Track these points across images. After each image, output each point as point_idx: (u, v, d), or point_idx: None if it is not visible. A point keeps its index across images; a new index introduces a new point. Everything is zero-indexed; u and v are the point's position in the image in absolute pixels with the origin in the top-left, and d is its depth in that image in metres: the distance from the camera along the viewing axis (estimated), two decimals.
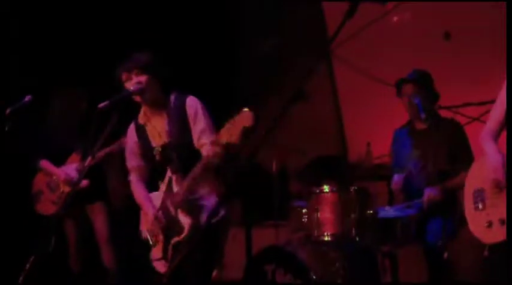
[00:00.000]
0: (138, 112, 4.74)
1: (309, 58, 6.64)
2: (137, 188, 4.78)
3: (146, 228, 4.66)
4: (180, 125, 4.54)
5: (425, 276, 5.30)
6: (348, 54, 6.99)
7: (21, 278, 4.33)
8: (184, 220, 4.48)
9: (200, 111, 4.54)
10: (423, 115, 5.39)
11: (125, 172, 4.89)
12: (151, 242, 4.63)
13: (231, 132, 4.00)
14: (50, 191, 6.18)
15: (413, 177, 5.44)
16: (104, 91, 4.49)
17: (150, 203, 4.68)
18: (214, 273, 5.38)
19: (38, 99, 5.29)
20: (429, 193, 5.25)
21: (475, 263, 5.03)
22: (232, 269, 6.33)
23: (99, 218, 6.20)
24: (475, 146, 5.24)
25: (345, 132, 7.51)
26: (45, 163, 6.17)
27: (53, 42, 6.93)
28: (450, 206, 5.31)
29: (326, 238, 5.19)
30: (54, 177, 6.16)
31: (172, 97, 4.63)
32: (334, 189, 5.21)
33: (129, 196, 4.92)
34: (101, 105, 4.34)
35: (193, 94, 4.66)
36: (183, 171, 4.48)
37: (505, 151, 4.33)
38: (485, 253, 4.36)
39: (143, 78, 4.54)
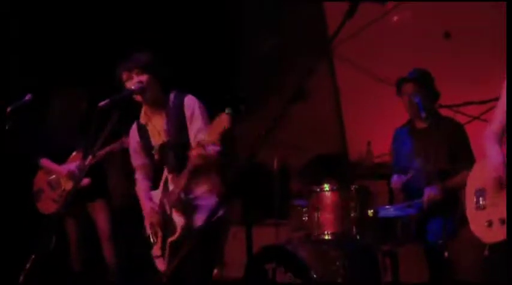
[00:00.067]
0: (138, 111, 4.75)
1: (309, 58, 6.66)
2: (140, 186, 4.82)
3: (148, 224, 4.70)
4: (178, 124, 4.55)
5: (426, 275, 5.30)
6: (349, 53, 7.00)
7: (21, 277, 4.32)
8: (178, 220, 4.51)
9: (197, 111, 4.54)
10: (423, 114, 5.39)
11: (125, 171, 4.89)
12: (152, 240, 4.65)
13: (212, 134, 4.14)
14: (50, 189, 6.18)
15: (414, 176, 5.44)
16: (104, 91, 4.49)
17: (148, 200, 4.71)
18: (215, 272, 5.39)
19: (38, 98, 5.29)
20: (429, 192, 5.25)
21: (475, 262, 5.04)
22: (232, 268, 6.35)
23: (100, 216, 6.21)
24: (476, 145, 5.25)
25: (346, 131, 7.50)
26: (45, 161, 6.17)
27: (53, 42, 6.93)
28: (450, 206, 5.31)
29: (326, 237, 5.17)
30: (55, 175, 6.16)
31: (171, 97, 4.64)
32: (335, 188, 5.20)
33: (130, 194, 4.93)
34: (101, 103, 4.34)
35: (194, 94, 4.66)
36: (178, 170, 4.49)
37: (505, 151, 4.34)
38: (486, 253, 4.36)
39: (144, 78, 4.54)
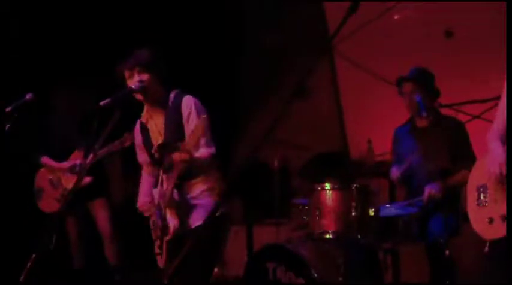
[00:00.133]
0: (140, 109, 4.75)
1: (309, 58, 6.66)
2: (143, 181, 4.83)
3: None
4: (175, 124, 4.54)
5: (427, 274, 5.31)
6: (350, 51, 7.00)
7: (22, 276, 4.32)
8: (171, 220, 4.50)
9: (194, 111, 4.52)
10: (424, 113, 5.39)
11: (125, 170, 4.89)
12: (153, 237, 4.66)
13: (193, 139, 4.25)
14: (52, 188, 6.18)
15: (414, 174, 5.45)
16: (106, 89, 4.49)
17: (145, 196, 4.72)
18: (216, 271, 5.40)
19: (39, 97, 5.28)
20: (430, 190, 5.26)
21: (476, 258, 5.04)
22: (233, 267, 6.36)
23: (101, 215, 6.20)
24: (476, 144, 5.25)
25: (346, 130, 7.50)
26: (46, 160, 6.17)
27: (53, 41, 6.93)
28: (451, 203, 5.32)
29: (327, 236, 5.17)
30: (57, 174, 6.16)
31: (171, 96, 4.63)
32: (336, 187, 5.19)
33: (130, 194, 4.93)
34: (102, 102, 4.35)
35: (194, 94, 4.66)
36: (172, 171, 4.50)
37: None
38: (486, 249, 4.36)
39: (145, 77, 4.53)
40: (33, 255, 4.28)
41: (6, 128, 5.04)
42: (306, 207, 5.39)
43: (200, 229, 4.45)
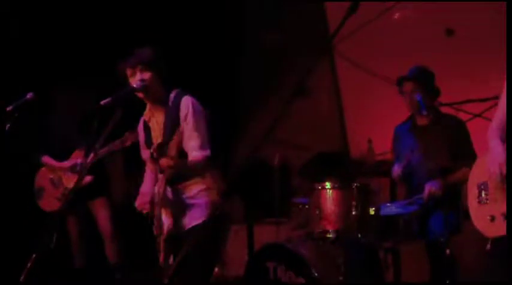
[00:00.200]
0: (141, 108, 4.75)
1: (309, 58, 6.67)
2: (145, 179, 4.82)
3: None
4: (174, 124, 4.54)
5: (428, 272, 5.31)
6: (350, 51, 7.01)
7: (23, 276, 4.32)
8: (166, 220, 4.50)
9: (191, 114, 4.50)
10: (425, 112, 5.40)
11: (127, 169, 4.89)
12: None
13: (172, 149, 4.37)
14: (52, 187, 6.18)
15: (414, 172, 5.45)
16: (106, 89, 4.49)
17: (142, 194, 4.70)
18: (216, 270, 5.40)
19: (39, 97, 5.29)
20: (430, 187, 5.26)
21: (477, 256, 5.04)
22: (233, 266, 6.35)
23: (102, 214, 6.20)
24: (477, 142, 5.25)
25: (347, 129, 7.49)
26: (47, 159, 6.17)
27: (53, 41, 6.93)
28: (452, 201, 5.32)
29: (328, 235, 5.16)
30: (58, 173, 6.16)
31: (172, 96, 4.62)
32: (336, 186, 5.19)
33: (130, 193, 4.92)
34: (103, 101, 4.35)
35: (195, 93, 4.65)
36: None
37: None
38: (488, 247, 4.36)
39: (147, 75, 4.53)
40: (34, 255, 4.28)
41: (7, 127, 5.04)
42: (306, 206, 5.39)
43: (199, 229, 4.45)
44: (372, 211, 5.17)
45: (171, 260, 4.50)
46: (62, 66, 6.74)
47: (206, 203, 4.52)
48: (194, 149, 4.47)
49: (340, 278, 5.10)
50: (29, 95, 5.18)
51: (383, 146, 5.84)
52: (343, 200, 5.16)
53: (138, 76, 4.52)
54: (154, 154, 4.57)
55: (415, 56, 6.31)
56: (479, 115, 5.80)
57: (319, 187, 5.24)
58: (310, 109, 7.07)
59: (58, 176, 6.16)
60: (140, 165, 4.91)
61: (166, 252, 4.52)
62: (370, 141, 5.55)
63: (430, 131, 5.46)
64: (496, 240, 4.33)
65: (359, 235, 5.12)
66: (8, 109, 5.10)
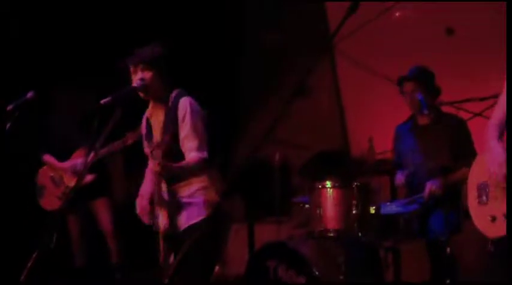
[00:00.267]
0: (142, 107, 4.76)
1: (309, 58, 6.66)
2: (145, 178, 4.82)
3: None
4: (172, 125, 4.55)
5: (428, 271, 5.31)
6: (350, 50, 7.00)
7: (23, 274, 4.32)
8: (162, 220, 4.52)
9: (188, 115, 4.50)
10: (426, 111, 5.41)
11: (128, 169, 4.89)
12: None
13: (156, 154, 4.40)
14: (54, 186, 6.18)
15: (415, 172, 5.45)
16: (107, 88, 4.49)
17: (143, 201, 4.70)
18: (217, 269, 5.38)
19: (40, 96, 5.28)
20: (430, 186, 5.26)
21: (478, 256, 5.04)
22: (234, 265, 6.36)
23: (103, 215, 6.21)
24: (478, 141, 5.25)
25: (347, 128, 7.49)
26: (48, 157, 6.17)
27: (54, 41, 6.93)
28: (452, 200, 5.32)
29: (328, 234, 5.17)
30: (59, 171, 6.16)
31: (172, 95, 4.63)
32: (337, 185, 5.19)
33: (131, 193, 4.92)
34: (103, 100, 4.35)
35: (195, 93, 4.66)
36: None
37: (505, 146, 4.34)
38: (490, 248, 4.36)
39: (148, 75, 4.53)
40: (34, 254, 4.28)
41: (7, 127, 5.04)
42: (307, 205, 5.39)
43: (197, 228, 4.45)
44: (372, 210, 5.17)
45: (171, 259, 4.52)
46: (62, 66, 6.74)
47: (203, 202, 4.53)
48: (192, 150, 4.47)
49: (341, 277, 5.10)
50: (30, 94, 5.18)
51: (383, 145, 5.83)
52: (344, 199, 5.16)
53: (139, 75, 4.53)
54: (153, 153, 4.58)
55: (416, 55, 6.31)
56: (479, 114, 5.78)
57: (320, 186, 5.24)
58: (311, 109, 7.07)
59: (59, 175, 6.16)
60: (140, 164, 4.91)
61: (165, 251, 4.53)
62: (370, 140, 5.55)
63: (431, 130, 5.47)
64: (497, 241, 4.32)
65: (359, 234, 5.12)
66: (8, 108, 5.10)
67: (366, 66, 6.95)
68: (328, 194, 5.20)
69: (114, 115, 4.37)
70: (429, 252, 5.33)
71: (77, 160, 6.06)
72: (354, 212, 5.12)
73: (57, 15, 6.94)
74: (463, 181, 4.92)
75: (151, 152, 4.58)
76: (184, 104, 4.53)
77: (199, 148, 4.48)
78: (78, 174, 5.83)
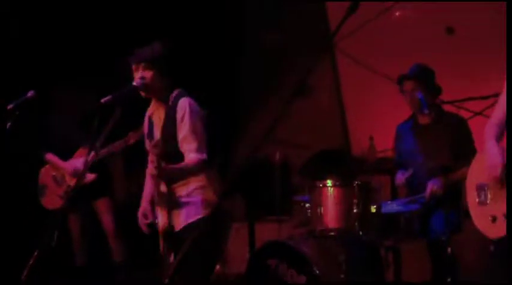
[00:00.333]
0: (144, 106, 4.76)
1: (310, 58, 6.66)
2: (146, 178, 4.83)
3: None
4: (172, 124, 4.55)
5: (429, 270, 5.31)
6: (351, 49, 7.00)
7: (24, 273, 4.32)
8: (161, 219, 4.54)
9: (187, 117, 4.51)
10: (426, 111, 5.40)
11: (128, 169, 4.88)
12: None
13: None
14: (56, 185, 6.18)
15: (416, 171, 5.44)
16: (107, 88, 4.49)
17: (146, 203, 4.73)
18: (217, 268, 5.39)
19: (40, 96, 5.28)
20: (432, 186, 5.25)
21: (479, 255, 5.04)
22: (235, 264, 6.35)
23: (105, 215, 6.21)
24: (478, 140, 5.25)
25: (348, 127, 7.49)
26: (51, 156, 6.17)
27: (54, 41, 6.93)
28: (453, 200, 5.32)
29: (329, 233, 5.17)
30: (61, 170, 6.15)
31: (173, 95, 4.63)
32: (337, 184, 5.18)
33: (132, 192, 4.92)
34: (104, 99, 4.35)
35: (195, 93, 4.66)
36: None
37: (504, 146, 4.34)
38: (491, 248, 4.35)
39: (148, 74, 4.54)
40: (35, 253, 4.28)
41: (8, 126, 5.04)
42: (308, 204, 5.38)
43: (196, 226, 4.45)
44: (373, 209, 5.16)
45: (171, 258, 4.52)
46: (62, 65, 6.74)
47: (201, 202, 4.54)
48: (191, 152, 4.48)
49: (342, 276, 5.09)
50: (30, 93, 5.17)
51: (384, 143, 5.83)
52: (345, 198, 5.15)
53: (140, 73, 4.54)
54: (154, 150, 4.58)
55: (416, 55, 6.29)
56: (479, 113, 5.79)
57: (321, 185, 5.23)
58: (311, 108, 7.07)
59: (61, 174, 6.16)
60: (141, 164, 4.92)
61: (165, 250, 4.53)
62: (371, 139, 5.55)
63: (432, 130, 5.46)
64: (498, 241, 4.32)
65: (360, 233, 5.11)
66: (8, 107, 5.09)
67: (366, 65, 6.95)
68: (329, 193, 5.19)
69: (114, 115, 4.37)
70: (430, 252, 5.32)
71: (79, 161, 6.06)
72: (354, 211, 5.12)
73: (57, 15, 6.94)
74: (464, 180, 4.92)
75: (154, 147, 4.58)
76: (183, 105, 4.53)
77: (198, 150, 4.48)
78: (79, 173, 5.84)
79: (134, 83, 4.53)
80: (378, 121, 6.69)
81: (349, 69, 7.27)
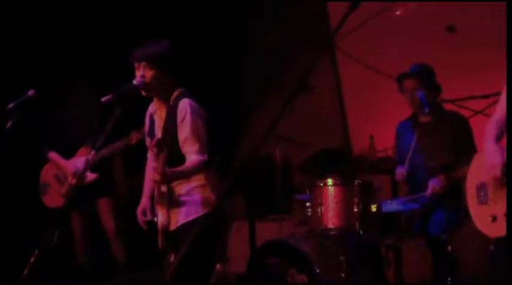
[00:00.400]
0: (144, 106, 4.77)
1: (310, 57, 6.66)
2: (146, 178, 4.84)
3: None
4: (172, 124, 4.55)
5: (429, 269, 5.30)
6: (351, 48, 6.99)
7: (25, 272, 4.32)
8: (160, 218, 4.53)
9: (187, 118, 4.51)
10: (427, 109, 5.39)
11: (128, 168, 4.88)
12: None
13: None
14: (58, 183, 6.18)
15: (416, 170, 5.44)
16: (109, 87, 4.49)
17: (146, 199, 4.76)
18: (218, 267, 5.39)
19: (40, 95, 5.28)
20: (433, 185, 5.25)
21: (480, 254, 5.03)
22: (235, 263, 6.34)
23: (106, 214, 6.21)
24: (479, 139, 5.24)
25: (348, 126, 7.49)
26: (53, 155, 6.17)
27: (54, 41, 6.93)
28: (453, 199, 5.31)
29: (330, 232, 5.17)
30: (63, 169, 6.15)
31: (174, 95, 4.63)
32: (338, 183, 5.19)
33: (132, 192, 4.93)
34: (104, 98, 4.36)
35: (195, 93, 4.66)
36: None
37: (505, 145, 4.34)
38: (491, 247, 4.35)
39: (149, 73, 4.54)
40: (36, 252, 4.28)
41: (8, 125, 5.04)
42: (309, 203, 5.38)
43: (194, 225, 4.46)
44: (373, 208, 5.17)
45: (171, 258, 4.52)
46: (62, 65, 6.74)
47: (200, 200, 4.56)
48: (192, 153, 4.49)
49: (342, 275, 5.10)
50: (31, 92, 5.18)
51: (385, 143, 5.84)
52: (345, 197, 5.16)
53: (141, 72, 4.54)
54: (154, 149, 4.58)
55: (417, 53, 6.30)
56: (480, 112, 5.79)
57: (321, 184, 5.23)
58: (312, 106, 7.05)
59: (63, 173, 6.15)
60: (141, 163, 4.92)
61: (165, 250, 4.53)
62: (372, 138, 5.55)
63: (433, 128, 5.45)
64: (498, 240, 4.32)
65: (361, 232, 5.12)
66: (9, 106, 5.10)
67: (367, 64, 6.95)
68: (330, 192, 5.19)
69: (114, 114, 4.37)
70: (430, 251, 5.32)
71: (81, 160, 6.06)
72: (355, 210, 5.12)
73: (58, 14, 6.94)
74: (465, 179, 4.92)
75: (154, 146, 4.58)
76: (184, 106, 4.53)
77: (199, 151, 4.49)
78: (79, 173, 5.84)
79: (135, 82, 4.53)
80: (379, 120, 6.69)
81: (350, 68, 7.26)
